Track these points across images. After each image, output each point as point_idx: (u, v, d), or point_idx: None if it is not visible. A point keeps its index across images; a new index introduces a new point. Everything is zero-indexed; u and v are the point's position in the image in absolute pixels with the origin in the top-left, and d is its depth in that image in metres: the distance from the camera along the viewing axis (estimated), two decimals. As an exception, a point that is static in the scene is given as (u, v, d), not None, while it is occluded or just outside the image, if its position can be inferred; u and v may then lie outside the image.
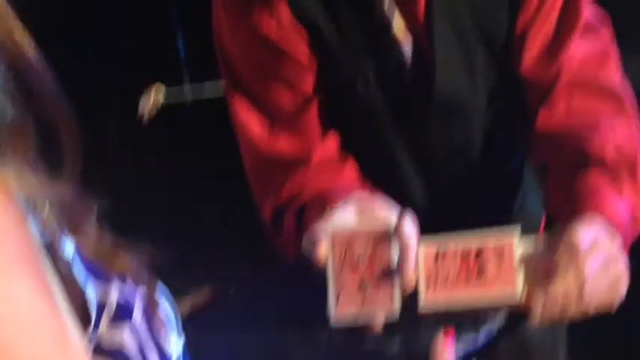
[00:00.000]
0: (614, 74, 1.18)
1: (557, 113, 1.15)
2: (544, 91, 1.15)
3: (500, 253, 0.99)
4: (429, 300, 1.01)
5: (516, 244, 1.00)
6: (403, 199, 1.10)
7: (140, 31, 2.80)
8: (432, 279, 1.00)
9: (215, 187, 2.60)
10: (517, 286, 0.99)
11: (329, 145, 1.19)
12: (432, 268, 1.00)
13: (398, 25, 1.14)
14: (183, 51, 2.80)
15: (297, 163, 1.16)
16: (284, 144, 1.17)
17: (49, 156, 0.53)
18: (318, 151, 1.17)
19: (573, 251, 0.96)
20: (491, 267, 0.99)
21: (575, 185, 1.08)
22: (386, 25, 1.14)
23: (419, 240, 1.00)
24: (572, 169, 1.10)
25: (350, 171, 1.19)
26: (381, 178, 1.19)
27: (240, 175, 1.25)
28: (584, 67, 1.15)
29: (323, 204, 1.06)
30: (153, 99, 2.52)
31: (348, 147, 1.20)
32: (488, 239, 1.01)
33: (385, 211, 1.03)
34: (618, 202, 1.05)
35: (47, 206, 0.53)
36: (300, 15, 1.13)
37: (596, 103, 1.15)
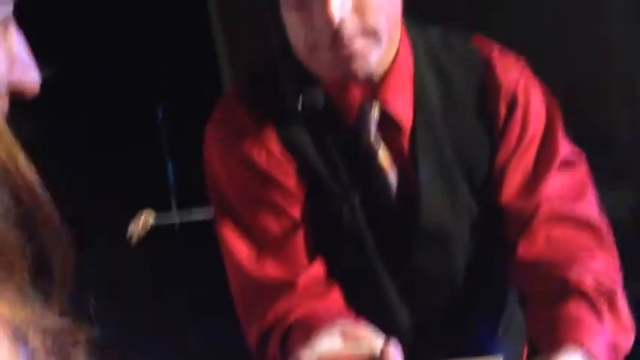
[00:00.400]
0: (591, 207, 1.21)
1: (536, 245, 1.17)
2: (523, 223, 1.18)
3: None
4: None
5: None
6: (388, 326, 1.10)
7: (131, 158, 2.85)
8: None
9: (202, 309, 2.59)
10: None
11: (315, 272, 1.20)
12: None
13: (383, 158, 1.18)
14: (173, 178, 2.85)
15: (283, 288, 1.17)
16: (271, 269, 1.19)
17: (41, 283, 0.55)
18: (304, 277, 1.18)
19: None
20: None
21: (555, 315, 1.08)
22: (372, 158, 1.17)
23: None
24: (553, 298, 1.11)
25: (335, 297, 1.19)
26: (367, 305, 1.19)
27: (227, 298, 1.26)
28: (563, 200, 1.19)
29: (308, 330, 1.06)
30: (142, 223, 2.55)
31: (334, 273, 1.22)
32: None
33: (370, 338, 1.02)
34: (598, 332, 1.06)
35: (38, 337, 0.54)
36: (289, 146, 1.17)
37: (574, 235, 1.17)
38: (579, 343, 1.02)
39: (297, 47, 1.12)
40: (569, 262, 1.14)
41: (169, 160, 2.88)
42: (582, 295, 1.09)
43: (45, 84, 0.70)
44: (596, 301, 1.09)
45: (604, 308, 1.09)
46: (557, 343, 1.03)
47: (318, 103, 1.16)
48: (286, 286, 1.17)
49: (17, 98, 0.66)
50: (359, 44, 1.07)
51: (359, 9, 1.05)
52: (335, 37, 1.05)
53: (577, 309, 1.08)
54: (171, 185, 2.86)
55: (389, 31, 1.09)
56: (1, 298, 0.50)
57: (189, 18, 3.11)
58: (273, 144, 1.17)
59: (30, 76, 0.67)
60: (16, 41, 0.67)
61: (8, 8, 0.65)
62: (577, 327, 1.06)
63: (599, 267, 1.14)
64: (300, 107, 1.16)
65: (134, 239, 2.49)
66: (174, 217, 2.77)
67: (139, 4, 3.00)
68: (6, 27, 0.65)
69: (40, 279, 0.55)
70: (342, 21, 1.03)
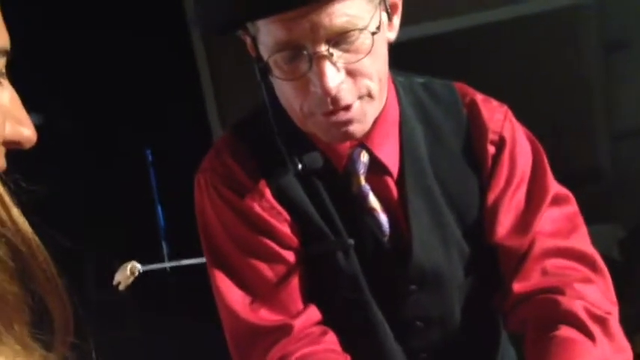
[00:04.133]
0: (584, 239, 1.23)
1: (531, 279, 1.18)
2: (518, 261, 1.19)
3: None
4: None
5: None
6: None
7: (121, 208, 2.86)
8: None
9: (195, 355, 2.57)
10: None
11: (310, 316, 1.20)
12: None
13: (374, 203, 1.19)
14: (163, 227, 2.85)
15: (278, 333, 1.17)
16: (265, 316, 1.18)
17: (42, 334, 0.55)
18: (299, 321, 1.17)
19: None
20: None
21: (550, 340, 1.09)
22: (362, 202, 1.19)
23: None
24: (548, 326, 1.12)
25: (331, 341, 1.19)
26: (362, 348, 1.20)
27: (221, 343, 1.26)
28: (556, 235, 1.21)
29: None
30: (128, 275, 2.54)
31: (328, 317, 1.22)
32: None
33: None
34: (593, 355, 1.07)
35: None
36: (281, 194, 1.18)
37: (569, 265, 1.19)
38: None
39: (291, 112, 1.13)
40: (563, 293, 1.15)
41: (159, 203, 2.88)
42: (576, 323, 1.11)
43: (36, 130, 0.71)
44: (590, 326, 1.10)
45: (598, 332, 1.10)
46: None
47: (316, 163, 1.17)
48: (281, 332, 1.17)
49: (15, 149, 0.67)
50: (355, 108, 1.08)
51: (353, 74, 1.06)
52: (331, 103, 1.06)
53: (571, 334, 1.09)
54: (162, 228, 2.86)
55: (380, 89, 1.11)
56: (3, 350, 0.50)
57: (177, 63, 3.14)
58: (266, 192, 1.18)
59: (24, 130, 0.68)
60: (9, 96, 0.68)
61: (1, 64, 0.66)
62: (571, 350, 1.07)
63: (593, 293, 1.16)
64: (299, 168, 1.16)
65: (121, 287, 2.48)
66: (165, 261, 2.76)
67: (129, 50, 3.03)
68: None
69: (41, 330, 0.55)
70: (338, 90, 1.04)
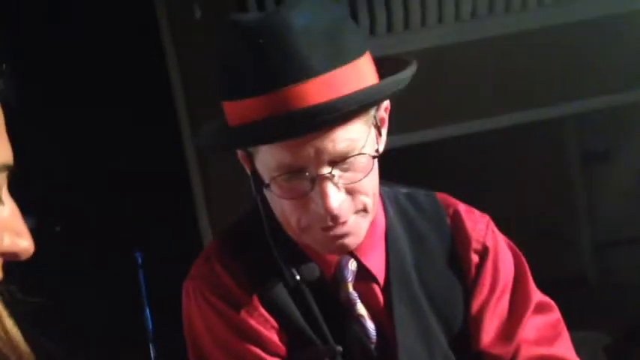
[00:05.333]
0: (567, 346, 1.25)
1: None
2: None
3: None
4: None
5: None
6: None
7: (109, 303, 2.84)
8: None
9: None
10: None
11: None
12: None
13: (361, 310, 1.21)
14: (151, 331, 2.83)
15: None
16: None
17: None
18: None
19: None
20: None
21: None
22: (350, 309, 1.21)
23: None
24: None
25: None
26: None
27: None
28: (540, 342, 1.23)
29: None
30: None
31: None
32: None
33: None
34: None
35: None
36: (269, 304, 1.20)
37: None
38: None
39: (286, 224, 1.16)
40: None
41: (147, 307, 2.87)
42: None
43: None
44: None
45: None
46: None
47: (312, 274, 1.19)
48: None
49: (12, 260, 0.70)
50: (351, 222, 1.12)
51: (352, 192, 1.10)
52: (331, 220, 1.09)
53: None
54: (150, 331, 2.84)
55: (374, 203, 1.15)
56: None
57: (168, 165, 3.18)
58: (254, 300, 1.20)
59: (22, 242, 0.70)
60: (9, 210, 0.70)
61: (2, 180, 0.69)
62: None
63: None
64: (296, 279, 1.18)
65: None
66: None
67: (120, 153, 3.07)
68: None
69: None
70: (339, 209, 1.08)
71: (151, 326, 2.84)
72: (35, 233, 0.74)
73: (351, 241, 1.14)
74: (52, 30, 2.93)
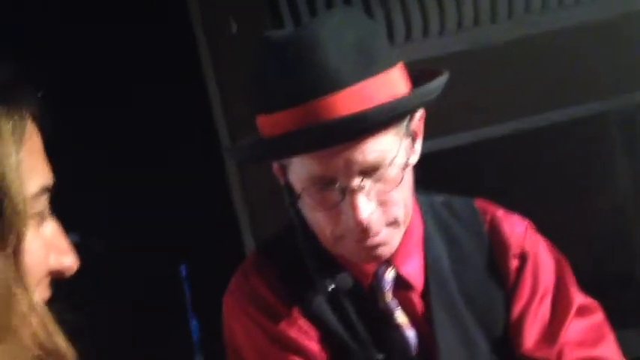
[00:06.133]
0: (612, 349, 1.24)
1: None
2: None
3: None
4: None
5: None
6: None
7: (154, 321, 2.87)
8: None
9: None
10: None
11: None
12: None
13: (400, 319, 1.21)
14: (198, 343, 2.85)
15: None
16: None
17: None
18: None
19: None
20: None
21: None
22: (389, 319, 1.21)
23: None
24: None
25: None
26: None
27: None
28: (583, 345, 1.22)
29: None
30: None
31: None
32: None
33: None
34: None
35: None
36: (310, 315, 1.21)
37: None
38: None
39: (320, 235, 1.16)
40: None
41: (193, 318, 2.89)
42: None
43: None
44: None
45: None
46: None
47: (346, 284, 1.20)
48: None
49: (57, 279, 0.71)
50: (383, 233, 1.12)
51: (383, 204, 1.10)
52: (362, 232, 1.09)
53: None
54: (196, 344, 2.86)
55: (406, 214, 1.15)
56: None
57: (210, 183, 3.20)
58: (294, 311, 1.21)
59: (67, 260, 0.72)
60: (52, 229, 0.72)
61: (44, 201, 0.70)
62: None
63: None
64: (330, 289, 1.19)
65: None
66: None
67: (162, 173, 3.11)
68: (42, 217, 0.71)
69: None
70: (369, 221, 1.08)
71: (196, 337, 2.87)
72: (78, 250, 0.76)
73: (384, 252, 1.15)
74: (89, 52, 2.98)
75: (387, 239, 1.13)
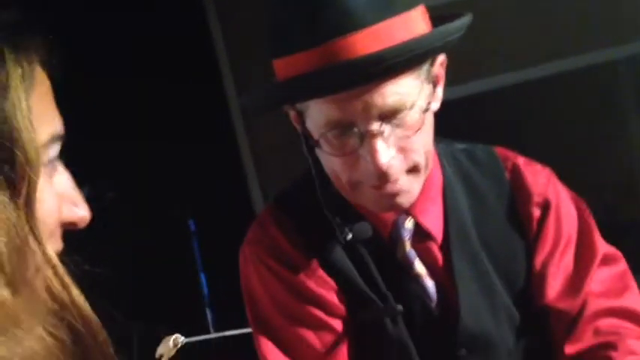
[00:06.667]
0: (636, 297, 1.22)
1: (584, 340, 1.17)
2: (570, 322, 1.19)
3: None
4: None
5: None
6: None
7: (164, 277, 2.88)
8: None
9: None
10: None
11: None
12: None
13: (420, 269, 1.19)
14: (207, 297, 2.86)
15: None
16: None
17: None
18: None
19: None
20: None
21: None
22: (408, 269, 1.19)
23: None
24: None
25: None
26: None
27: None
28: (608, 295, 1.20)
29: None
30: (171, 348, 2.53)
31: None
32: None
33: None
34: None
35: None
36: (328, 265, 1.19)
37: (621, 325, 1.18)
38: None
39: (338, 183, 1.13)
40: (615, 345, 1.14)
41: (202, 270, 2.90)
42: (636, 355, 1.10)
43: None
44: None
45: None
46: None
47: (365, 233, 1.18)
48: None
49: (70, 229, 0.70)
50: (402, 181, 1.09)
51: (403, 150, 1.07)
52: (381, 178, 1.06)
53: None
54: (206, 298, 2.87)
55: (427, 161, 1.12)
56: None
57: (218, 136, 3.19)
58: (312, 262, 1.19)
59: (79, 211, 0.71)
60: (64, 180, 0.70)
61: (56, 150, 0.69)
62: None
63: None
64: (348, 238, 1.17)
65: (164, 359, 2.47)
66: (210, 330, 2.76)
67: (172, 126, 3.09)
68: (54, 168, 0.69)
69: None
70: (389, 166, 1.05)
71: (206, 291, 2.88)
72: (89, 203, 0.75)
73: (403, 200, 1.12)
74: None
75: (407, 187, 1.10)
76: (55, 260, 0.65)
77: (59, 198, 0.69)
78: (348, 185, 1.11)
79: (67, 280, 0.64)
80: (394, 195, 1.10)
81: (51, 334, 0.59)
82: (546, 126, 3.03)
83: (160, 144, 3.03)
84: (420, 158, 1.09)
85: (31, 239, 0.62)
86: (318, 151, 1.12)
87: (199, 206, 2.99)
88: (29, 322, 0.58)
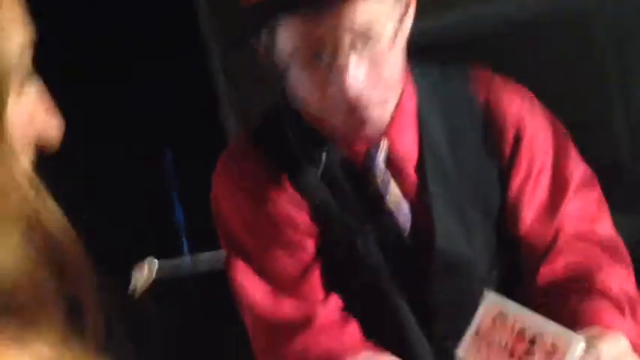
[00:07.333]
0: (608, 226, 1.23)
1: (557, 268, 1.18)
2: (544, 250, 1.19)
3: (552, 352, 0.95)
4: (467, 350, 1.00)
5: (571, 351, 0.94)
6: (409, 356, 1.11)
7: (137, 202, 2.87)
8: (482, 333, 0.99)
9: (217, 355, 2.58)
10: None
11: (331, 307, 1.20)
12: (488, 323, 1.00)
13: (394, 194, 1.19)
14: (183, 222, 2.86)
15: (299, 326, 1.17)
16: (286, 308, 1.18)
17: (76, 328, 0.55)
18: (320, 313, 1.18)
19: None
20: (536, 359, 0.96)
21: (581, 309, 1.08)
22: (382, 194, 1.18)
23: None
24: (578, 299, 1.11)
25: (353, 332, 1.19)
26: (384, 335, 1.19)
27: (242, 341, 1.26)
28: (581, 223, 1.21)
29: None
30: (146, 273, 2.54)
31: (350, 307, 1.22)
32: (549, 331, 0.96)
33: None
34: (624, 329, 1.06)
35: None
36: (300, 188, 1.18)
37: (594, 254, 1.19)
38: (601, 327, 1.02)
39: (311, 110, 1.11)
40: (592, 271, 1.15)
41: (178, 201, 2.89)
42: (608, 297, 1.10)
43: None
44: (620, 303, 1.10)
45: (627, 310, 1.10)
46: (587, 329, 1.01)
47: (336, 161, 1.17)
48: (304, 323, 1.17)
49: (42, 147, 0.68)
50: (373, 106, 1.07)
51: (373, 72, 1.04)
52: (352, 102, 1.04)
53: (603, 305, 1.09)
54: (181, 226, 2.87)
55: (398, 82, 1.11)
56: (44, 341, 0.51)
57: (191, 62, 3.16)
58: (283, 182, 1.18)
59: (51, 127, 0.69)
60: (37, 90, 0.68)
61: (27, 59, 0.66)
62: (604, 318, 1.06)
63: (622, 278, 1.16)
64: (320, 167, 1.16)
65: (138, 288, 2.48)
66: (185, 259, 2.77)
67: (146, 52, 3.05)
68: (26, 77, 0.67)
69: (75, 324, 0.55)
70: (360, 88, 1.03)
71: (182, 222, 2.87)
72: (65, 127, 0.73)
73: (374, 125, 1.10)
74: None
75: (377, 113, 1.09)
76: (30, 172, 0.63)
77: (32, 108, 0.67)
78: (321, 113, 1.09)
79: (43, 192, 0.62)
80: (365, 120, 1.08)
81: (24, 244, 0.58)
82: (520, 65, 3.01)
83: (137, 73, 3.00)
84: (391, 80, 1.08)
85: (4, 150, 0.61)
86: (290, 82, 1.10)
87: (175, 138, 2.97)
88: (2, 231, 0.58)
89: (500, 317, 1.00)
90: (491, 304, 1.01)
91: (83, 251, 0.61)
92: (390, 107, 1.12)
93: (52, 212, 0.61)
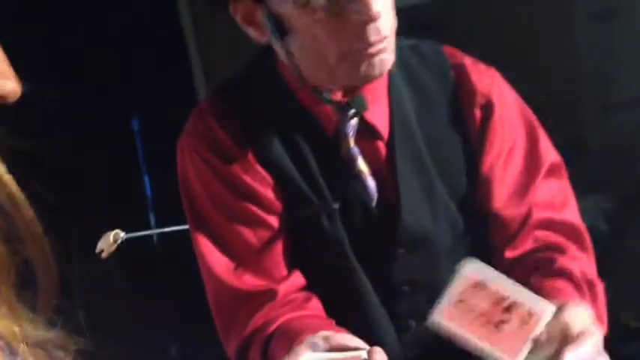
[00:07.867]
0: (575, 212, 1.24)
1: (524, 248, 1.19)
2: (515, 227, 1.20)
3: (527, 319, 0.97)
4: (443, 315, 1.00)
5: (546, 317, 0.97)
6: (370, 334, 1.11)
7: (106, 175, 2.84)
8: (460, 298, 1.00)
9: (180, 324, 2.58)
10: (519, 356, 0.96)
11: (294, 281, 1.19)
12: (466, 289, 1.01)
13: (362, 166, 1.18)
14: (150, 197, 2.83)
15: (262, 298, 1.16)
16: (249, 281, 1.18)
17: (27, 296, 0.54)
18: (283, 286, 1.17)
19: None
20: (511, 325, 0.98)
21: (543, 286, 1.09)
22: (351, 166, 1.18)
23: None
24: (540, 276, 1.13)
25: (316, 306, 1.19)
26: (347, 313, 1.19)
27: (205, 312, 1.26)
28: (551, 206, 1.22)
29: (290, 339, 1.05)
30: (111, 241, 2.52)
31: (313, 283, 1.21)
32: (526, 299, 0.99)
33: (354, 347, 1.02)
34: (578, 301, 1.08)
35: (28, 349, 0.54)
36: (265, 158, 1.17)
37: (561, 238, 1.20)
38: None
39: (323, 59, 1.10)
40: (556, 255, 1.17)
41: (146, 171, 2.86)
42: (569, 279, 1.12)
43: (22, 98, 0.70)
44: (580, 285, 1.12)
45: (586, 292, 1.12)
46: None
47: (309, 128, 1.17)
48: (265, 297, 1.17)
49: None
50: (389, 39, 1.08)
51: (385, 9, 1.06)
52: (373, 31, 1.04)
53: (564, 286, 1.11)
54: (149, 198, 2.85)
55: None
56: None
57: (163, 30, 3.12)
58: (249, 156, 1.17)
59: (8, 82, 0.67)
60: None
61: None
62: (565, 297, 1.07)
63: (584, 264, 1.18)
64: (295, 134, 1.16)
65: (104, 254, 2.46)
66: (152, 228, 2.75)
67: (115, 19, 3.00)
68: None
69: (26, 292, 0.54)
70: (382, 14, 1.04)
71: (149, 192, 2.85)
72: (28, 99, 0.71)
73: (386, 62, 1.10)
74: None
75: (391, 46, 1.09)
76: None
77: None
78: (336, 56, 1.08)
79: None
80: (380, 55, 1.08)
81: None
82: (493, 38, 3.01)
83: (105, 41, 2.95)
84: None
85: None
86: (290, 38, 1.09)
87: (143, 105, 2.93)
88: None
89: (480, 284, 1.01)
90: (471, 270, 1.02)
91: (34, 217, 0.59)
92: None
93: (1, 177, 0.59)
